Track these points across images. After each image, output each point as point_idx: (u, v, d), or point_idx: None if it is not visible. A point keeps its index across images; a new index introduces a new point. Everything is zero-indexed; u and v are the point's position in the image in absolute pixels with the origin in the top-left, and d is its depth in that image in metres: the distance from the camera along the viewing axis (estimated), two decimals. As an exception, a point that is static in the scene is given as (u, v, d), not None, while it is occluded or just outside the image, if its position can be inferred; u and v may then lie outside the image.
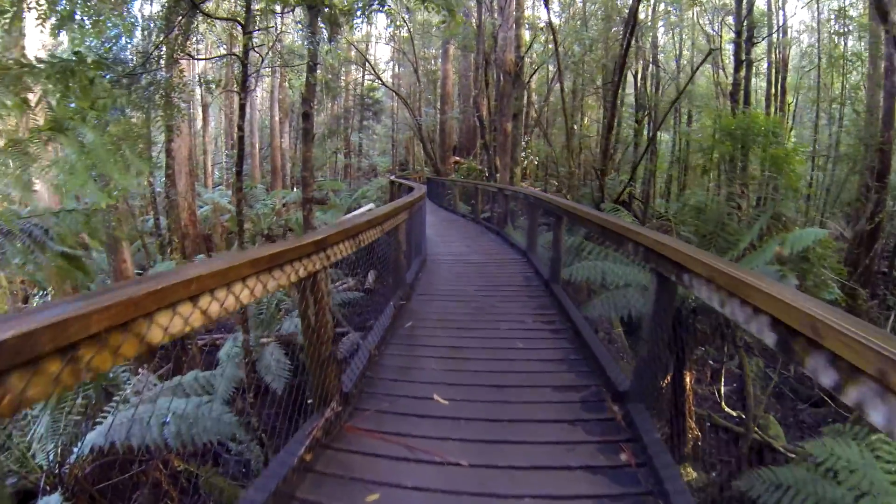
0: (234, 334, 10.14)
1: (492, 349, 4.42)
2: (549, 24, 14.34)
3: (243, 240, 6.29)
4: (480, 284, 6.57)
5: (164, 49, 6.24)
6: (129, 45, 5.98)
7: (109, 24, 5.40)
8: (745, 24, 15.03)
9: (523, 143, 20.47)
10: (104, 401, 7.93)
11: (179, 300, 1.41)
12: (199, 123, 34.99)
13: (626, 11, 20.17)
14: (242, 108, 6.37)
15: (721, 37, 22.07)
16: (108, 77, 4.86)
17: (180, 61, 7.70)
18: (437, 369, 3.92)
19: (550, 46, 24.43)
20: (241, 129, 6.34)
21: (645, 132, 23.49)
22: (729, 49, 25.43)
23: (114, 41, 5.69)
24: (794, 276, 8.11)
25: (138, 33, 6.37)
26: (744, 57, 14.99)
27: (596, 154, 27.67)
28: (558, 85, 26.99)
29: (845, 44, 23.68)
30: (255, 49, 7.99)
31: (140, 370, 7.13)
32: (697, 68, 14.18)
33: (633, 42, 12.11)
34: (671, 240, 2.95)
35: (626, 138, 26.06)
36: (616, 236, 3.70)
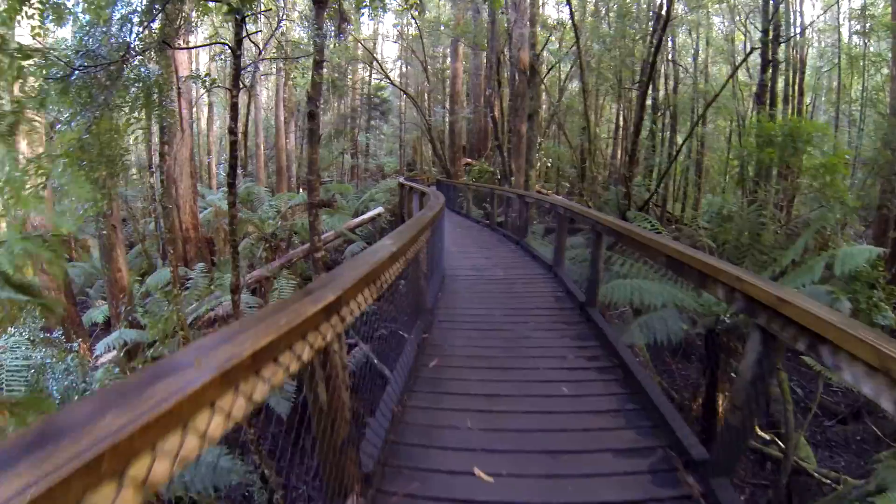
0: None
1: (534, 398, 3.73)
2: (572, 19, 13.61)
3: (237, 263, 5.59)
4: (508, 307, 5.86)
5: (149, 40, 5.54)
6: (105, 35, 5.25)
7: (79, 11, 4.71)
8: (771, 23, 14.30)
9: (538, 144, 19.73)
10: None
11: (91, 486, 0.73)
12: (204, 123, 34.49)
13: (647, 9, 19.53)
14: (234, 107, 5.61)
15: (747, 34, 21.32)
16: (77, 73, 4.20)
17: (176, 56, 7.02)
18: (473, 429, 3.24)
19: (563, 46, 23.89)
20: (233, 132, 5.61)
21: (659, 134, 22.86)
22: (739, 47, 24.86)
23: (88, 30, 4.99)
24: (846, 297, 7.44)
25: (117, 20, 5.61)
26: (771, 57, 14.24)
27: (607, 156, 27.05)
28: (571, 85, 26.46)
29: (865, 44, 22.95)
30: (251, 38, 7.22)
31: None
32: (735, 70, 13.35)
33: (663, 39, 11.36)
34: (798, 296, 2.26)
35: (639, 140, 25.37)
36: (697, 274, 3.01)
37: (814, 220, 8.37)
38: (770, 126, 9.59)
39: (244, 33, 5.49)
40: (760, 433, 9.94)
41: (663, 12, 10.79)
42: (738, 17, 22.73)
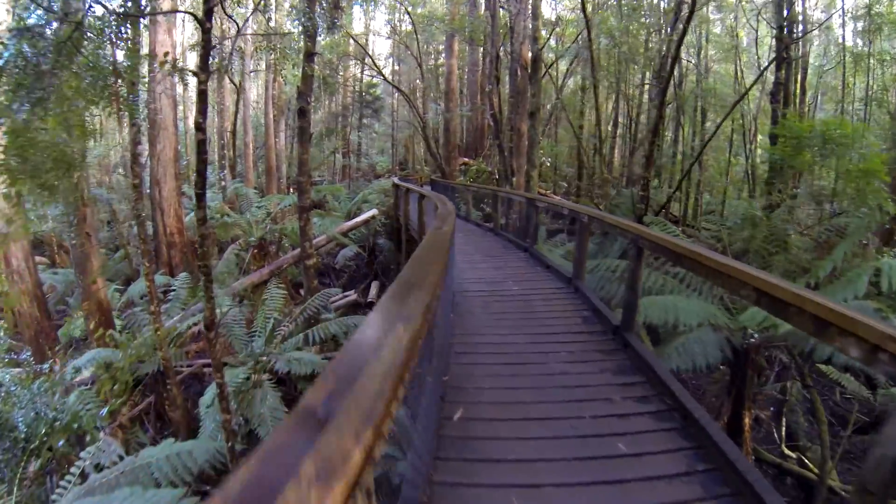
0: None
1: (588, 461, 3.01)
2: (583, 10, 12.85)
3: (211, 293, 4.76)
4: (532, 332, 5.09)
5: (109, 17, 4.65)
6: (50, 13, 4.35)
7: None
8: (786, 19, 13.69)
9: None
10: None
11: None
12: (191, 121, 33.55)
13: (658, 3, 18.87)
14: (202, 95, 4.69)
15: (756, 31, 20.71)
16: (6, 55, 3.43)
17: (156, 48, 6.19)
18: (522, 516, 2.52)
19: (563, 41, 23.22)
20: (200, 128, 4.68)
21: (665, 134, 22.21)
22: (742, 44, 24.30)
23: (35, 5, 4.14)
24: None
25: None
26: (785, 54, 13.64)
27: (606, 157, 26.40)
28: (569, 81, 25.80)
29: (870, 43, 22.44)
30: (227, 12, 6.30)
31: (102, 433, 5.74)
32: (763, 71, 12.54)
33: (687, 31, 10.61)
34: None
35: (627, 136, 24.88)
36: (810, 320, 2.32)
37: (852, 229, 7.71)
38: (802, 127, 8.91)
39: (216, 0, 4.58)
40: (789, 452, 9.35)
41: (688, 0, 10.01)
42: (743, 17, 22.17)
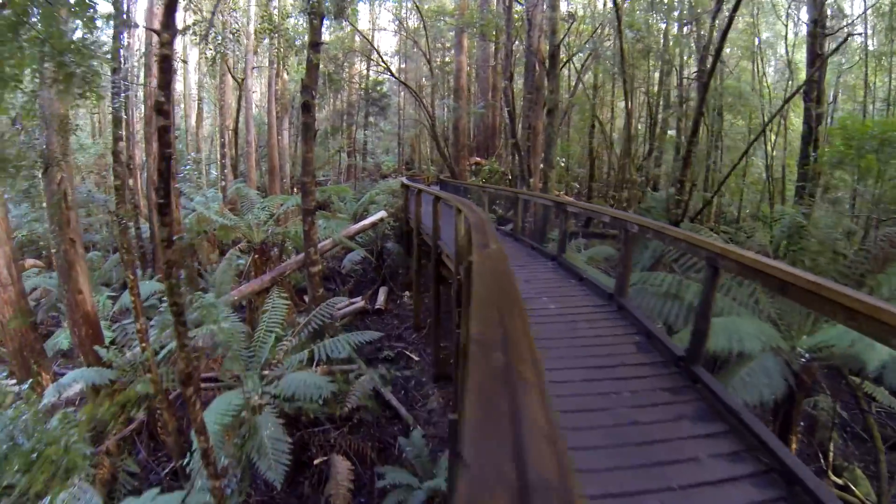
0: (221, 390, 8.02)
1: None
2: (615, 2, 12.04)
3: (184, 339, 3.87)
4: (584, 366, 4.25)
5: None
6: None
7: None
8: (819, 12, 12.90)
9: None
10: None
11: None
12: (193, 120, 32.98)
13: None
14: (165, 61, 3.64)
15: (785, 26, 19.92)
16: None
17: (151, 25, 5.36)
18: None
19: (580, 37, 22.44)
20: (162, 110, 3.48)
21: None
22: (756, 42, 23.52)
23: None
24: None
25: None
26: (819, 50, 12.85)
27: (619, 157, 25.64)
28: (584, 78, 25.02)
29: (892, 41, 21.70)
30: None
31: (76, 479, 4.98)
32: (812, 74, 11.60)
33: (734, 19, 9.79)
34: None
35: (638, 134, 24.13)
36: None
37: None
38: (863, 128, 8.12)
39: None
40: (834, 478, 8.61)
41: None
42: (767, 12, 21.41)
